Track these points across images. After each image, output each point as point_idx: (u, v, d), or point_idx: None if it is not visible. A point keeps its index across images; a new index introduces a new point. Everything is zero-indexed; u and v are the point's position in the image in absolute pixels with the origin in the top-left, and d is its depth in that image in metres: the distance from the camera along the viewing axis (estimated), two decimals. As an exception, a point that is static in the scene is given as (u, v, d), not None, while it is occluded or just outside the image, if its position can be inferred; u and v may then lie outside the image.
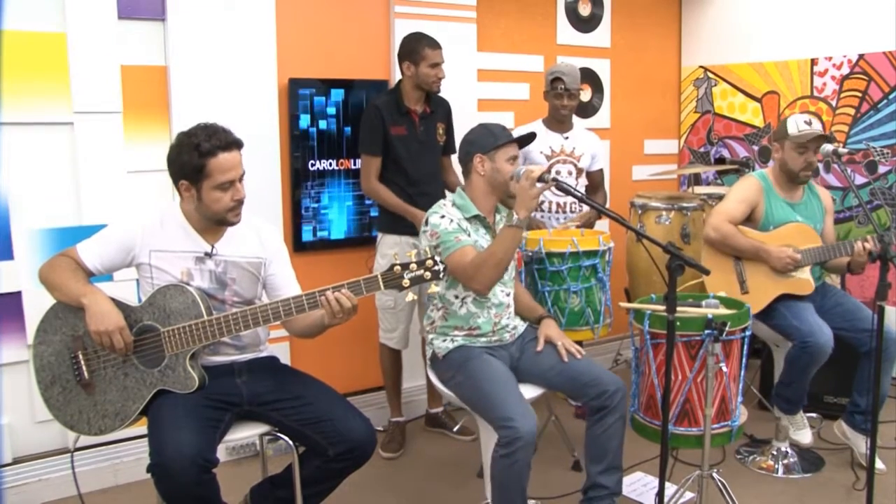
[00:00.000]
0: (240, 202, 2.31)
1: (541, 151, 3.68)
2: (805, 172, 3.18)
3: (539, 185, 2.50)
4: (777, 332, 3.17)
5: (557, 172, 3.68)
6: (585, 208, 3.70)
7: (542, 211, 3.72)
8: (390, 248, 3.41)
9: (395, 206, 3.39)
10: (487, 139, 2.66)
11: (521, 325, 2.80)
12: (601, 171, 3.85)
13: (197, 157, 2.22)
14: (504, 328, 2.71)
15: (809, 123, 3.14)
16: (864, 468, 2.76)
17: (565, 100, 3.61)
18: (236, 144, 2.28)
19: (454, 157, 3.64)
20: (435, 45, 3.32)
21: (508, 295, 2.75)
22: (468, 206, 2.67)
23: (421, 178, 3.42)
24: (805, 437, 3.25)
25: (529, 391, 2.65)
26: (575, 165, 3.72)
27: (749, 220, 3.27)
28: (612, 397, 2.52)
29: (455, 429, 3.71)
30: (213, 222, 2.34)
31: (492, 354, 2.64)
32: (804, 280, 3.18)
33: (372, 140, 3.37)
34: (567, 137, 3.72)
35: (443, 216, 2.63)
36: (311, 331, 2.38)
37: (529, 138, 2.82)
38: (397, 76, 3.69)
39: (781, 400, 3.24)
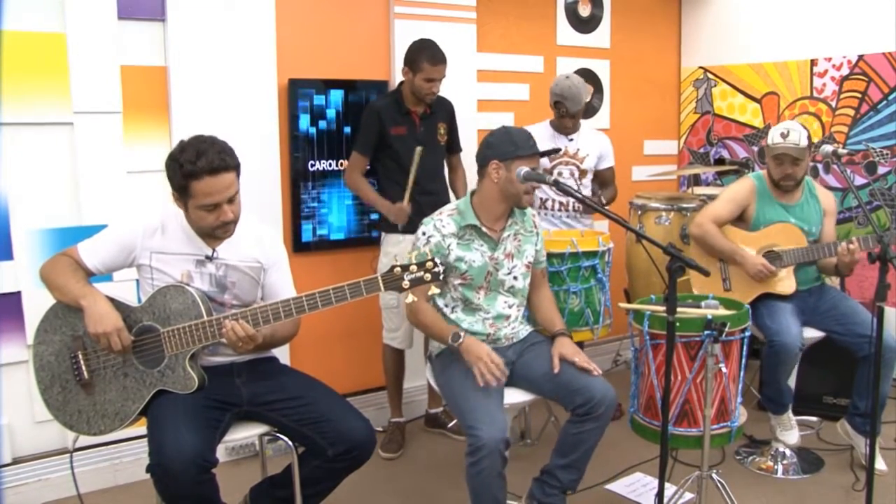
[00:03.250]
0: (226, 223, 2.27)
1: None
2: (785, 182, 3.20)
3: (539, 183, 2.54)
4: (758, 330, 3.20)
5: (559, 174, 3.70)
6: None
7: (546, 209, 3.74)
8: (392, 247, 3.42)
9: (371, 201, 3.44)
10: (507, 147, 2.57)
11: (524, 331, 2.78)
12: (611, 168, 3.87)
13: (180, 177, 2.19)
14: (501, 337, 2.70)
15: (786, 135, 3.13)
16: (864, 468, 2.76)
17: (567, 121, 3.68)
18: (225, 167, 2.20)
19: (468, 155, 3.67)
20: (436, 60, 3.31)
21: (511, 307, 2.71)
22: (468, 215, 2.63)
23: (423, 178, 3.43)
24: (791, 437, 3.29)
25: (520, 396, 2.65)
26: (577, 167, 3.74)
27: (741, 219, 3.30)
28: (596, 406, 2.47)
29: (449, 425, 3.71)
30: (205, 234, 2.33)
31: None
32: (786, 280, 3.20)
33: (364, 140, 3.41)
34: (572, 139, 3.74)
35: (424, 232, 2.62)
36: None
37: (552, 153, 2.81)
38: (397, 77, 3.70)
39: (765, 399, 3.30)
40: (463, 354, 2.52)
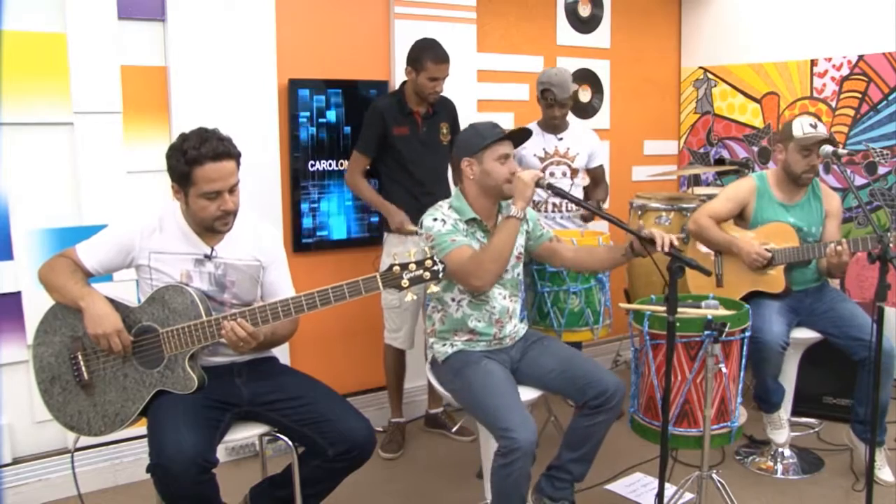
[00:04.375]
0: (227, 213, 2.27)
1: (535, 154, 3.69)
2: (808, 175, 3.19)
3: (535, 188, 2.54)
4: None
5: (552, 174, 3.69)
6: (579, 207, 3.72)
7: (539, 212, 3.73)
8: (395, 248, 3.42)
9: (372, 201, 3.44)
10: (474, 140, 2.60)
11: (523, 329, 2.79)
12: (601, 166, 3.87)
13: (183, 164, 2.20)
14: (506, 335, 2.70)
15: (815, 126, 3.13)
16: (867, 470, 2.76)
17: (556, 110, 3.62)
18: (228, 155, 2.23)
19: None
20: (440, 59, 3.32)
21: (506, 298, 2.71)
22: (464, 209, 2.65)
23: (425, 178, 3.44)
24: (780, 436, 3.30)
25: (527, 393, 2.65)
26: (569, 166, 3.73)
27: (741, 218, 3.30)
28: (611, 398, 2.52)
29: (454, 429, 3.72)
30: (204, 228, 2.33)
31: (491, 358, 2.63)
32: (776, 278, 3.20)
33: (366, 140, 3.42)
34: (561, 139, 3.73)
35: (435, 219, 2.62)
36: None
37: (522, 134, 2.73)
38: (397, 77, 3.71)
39: (755, 397, 3.31)
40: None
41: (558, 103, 3.59)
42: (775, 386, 3.20)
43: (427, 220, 2.63)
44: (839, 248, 2.99)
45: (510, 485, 2.34)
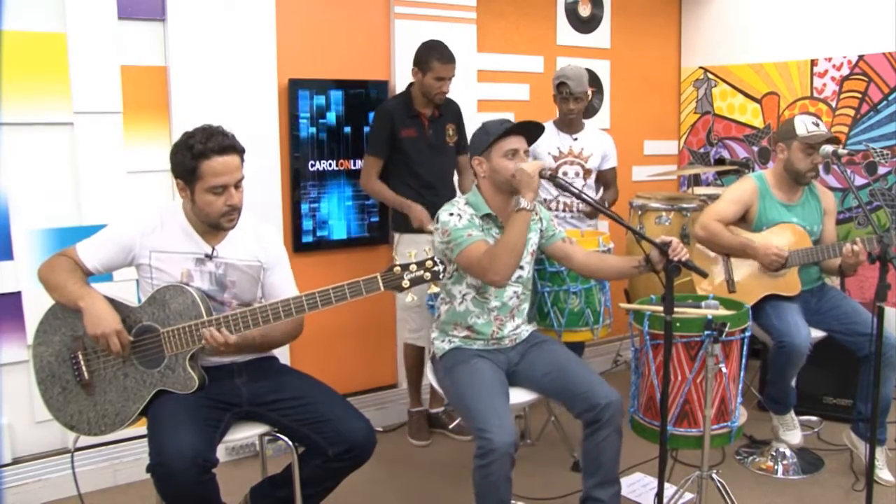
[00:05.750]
0: (233, 208, 2.28)
1: (549, 152, 3.70)
2: (811, 173, 3.19)
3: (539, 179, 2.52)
4: (763, 331, 3.19)
5: (564, 174, 3.70)
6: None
7: (551, 210, 3.73)
8: (407, 247, 3.40)
9: (392, 201, 3.45)
10: (481, 139, 2.62)
11: (526, 331, 2.77)
12: (613, 169, 3.87)
13: (190, 158, 2.21)
14: (504, 336, 2.69)
15: (817, 125, 3.13)
16: (867, 469, 2.76)
17: (571, 104, 3.63)
18: (234, 149, 2.25)
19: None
20: (446, 59, 3.34)
21: (519, 297, 2.70)
22: (480, 205, 2.65)
23: (433, 179, 3.47)
24: (794, 437, 3.28)
25: (523, 396, 2.65)
26: (582, 166, 3.73)
27: (743, 220, 3.29)
28: (602, 411, 2.45)
29: (451, 426, 3.72)
30: (209, 225, 2.33)
31: (486, 358, 2.62)
32: (791, 281, 3.19)
33: (377, 142, 3.44)
34: (576, 139, 3.74)
35: (451, 213, 2.61)
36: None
37: (531, 127, 2.64)
38: (397, 77, 3.71)
39: (769, 399, 3.29)
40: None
41: (574, 96, 3.61)
42: (791, 388, 3.19)
43: (443, 214, 2.63)
44: (856, 248, 2.98)
45: (488, 486, 2.33)
